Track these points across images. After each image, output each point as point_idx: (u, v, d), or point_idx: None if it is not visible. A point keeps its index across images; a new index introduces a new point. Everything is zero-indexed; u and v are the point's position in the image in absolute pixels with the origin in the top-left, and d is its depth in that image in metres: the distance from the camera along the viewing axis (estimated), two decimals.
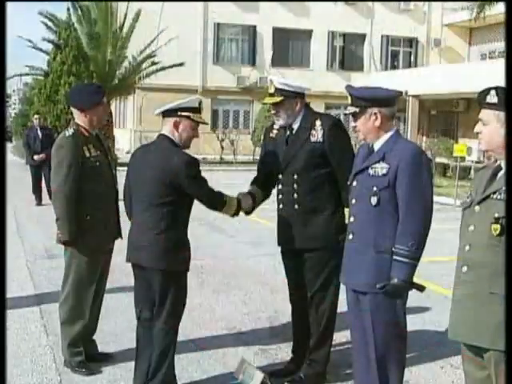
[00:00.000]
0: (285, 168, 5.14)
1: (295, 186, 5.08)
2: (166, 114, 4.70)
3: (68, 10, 27.53)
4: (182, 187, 4.55)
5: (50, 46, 28.34)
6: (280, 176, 5.19)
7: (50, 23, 28.21)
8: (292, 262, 5.25)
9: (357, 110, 4.23)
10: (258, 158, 5.51)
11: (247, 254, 9.42)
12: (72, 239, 5.21)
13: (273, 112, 5.12)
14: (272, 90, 5.05)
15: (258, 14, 35.87)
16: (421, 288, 4.26)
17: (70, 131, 5.29)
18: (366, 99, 4.23)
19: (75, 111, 5.39)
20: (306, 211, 5.03)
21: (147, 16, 28.88)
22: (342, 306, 4.78)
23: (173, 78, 30.37)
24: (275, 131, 5.31)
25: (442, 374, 5.52)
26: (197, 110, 4.73)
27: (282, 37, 36.48)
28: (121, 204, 5.23)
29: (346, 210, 4.73)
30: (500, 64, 27.36)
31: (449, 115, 32.44)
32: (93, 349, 5.58)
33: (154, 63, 28.41)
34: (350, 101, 4.27)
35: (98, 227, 5.27)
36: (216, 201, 4.82)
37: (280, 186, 5.22)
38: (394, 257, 4.09)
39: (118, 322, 6.58)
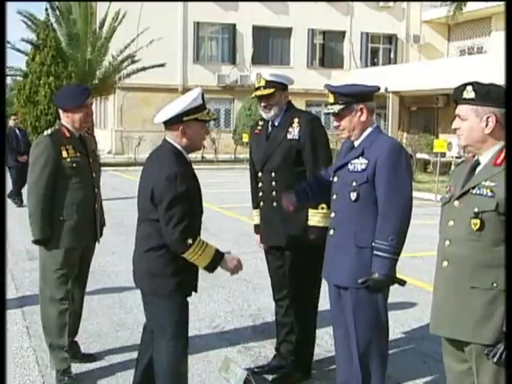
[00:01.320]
0: (264, 166, 5.15)
1: (273, 183, 5.09)
2: (169, 122, 4.08)
3: (46, 10, 27.39)
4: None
5: (28, 47, 28.22)
6: (260, 174, 5.20)
7: (29, 22, 28.12)
8: (274, 260, 5.28)
9: (342, 107, 4.21)
10: (239, 156, 5.53)
11: (231, 252, 9.43)
12: (42, 238, 5.14)
13: (263, 105, 5.09)
14: (262, 83, 5.03)
15: (237, 12, 35.82)
16: (402, 282, 4.28)
17: (49, 130, 5.26)
18: (352, 95, 4.23)
19: (60, 111, 5.31)
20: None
21: (127, 16, 28.85)
22: (325, 302, 4.79)
23: (153, 77, 30.31)
24: (259, 127, 5.33)
25: (423, 368, 5.57)
26: (202, 106, 4.14)
27: (262, 35, 36.48)
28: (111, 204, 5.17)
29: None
30: (478, 59, 27.56)
31: (429, 111, 32.58)
32: (75, 349, 5.54)
33: (133, 62, 28.45)
34: (332, 99, 4.24)
35: (72, 229, 5.16)
36: (175, 236, 3.91)
37: (260, 184, 5.22)
38: (375, 252, 4.10)
39: (101, 323, 6.56)
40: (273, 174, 5.09)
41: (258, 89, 5.08)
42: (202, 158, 29.99)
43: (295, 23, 36.62)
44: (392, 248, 4.08)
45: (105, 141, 35.34)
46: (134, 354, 4.74)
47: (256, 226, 5.44)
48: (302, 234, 4.98)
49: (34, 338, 6.15)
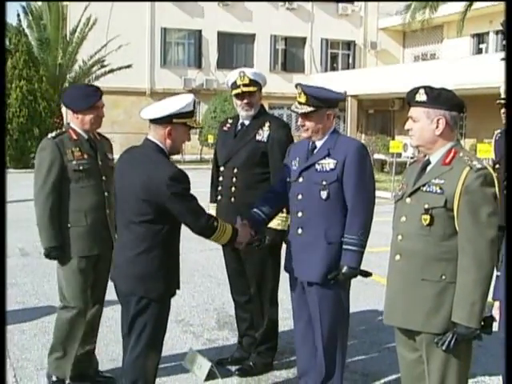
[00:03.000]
0: (227, 161, 5.13)
1: (234, 180, 5.07)
2: (158, 121, 3.88)
3: (18, 15, 27.24)
4: (164, 205, 3.76)
5: None
6: (222, 168, 5.18)
7: None
8: (232, 257, 5.24)
9: (312, 109, 4.20)
10: (205, 157, 5.50)
11: (195, 248, 9.43)
12: (51, 247, 4.69)
13: (246, 102, 5.03)
14: (246, 81, 4.99)
15: (203, 18, 35.75)
16: (368, 274, 4.33)
17: (53, 133, 4.83)
18: (324, 100, 4.22)
19: (69, 112, 4.87)
20: (242, 206, 4.88)
21: (97, 21, 28.69)
22: (285, 296, 4.80)
23: (122, 80, 30.07)
24: (228, 125, 5.30)
25: (379, 358, 5.62)
26: (192, 113, 3.96)
27: (227, 40, 36.43)
28: None
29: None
30: (431, 65, 27.84)
31: (385, 114, 32.85)
32: (92, 366, 5.06)
33: (103, 67, 28.36)
34: (303, 99, 4.21)
35: (80, 236, 4.71)
36: (203, 224, 3.88)
37: (221, 179, 5.20)
38: (345, 246, 4.14)
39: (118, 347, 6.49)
40: (235, 171, 5.06)
41: (238, 86, 5.02)
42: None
43: (258, 29, 36.64)
44: (360, 241, 4.14)
45: None
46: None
47: None
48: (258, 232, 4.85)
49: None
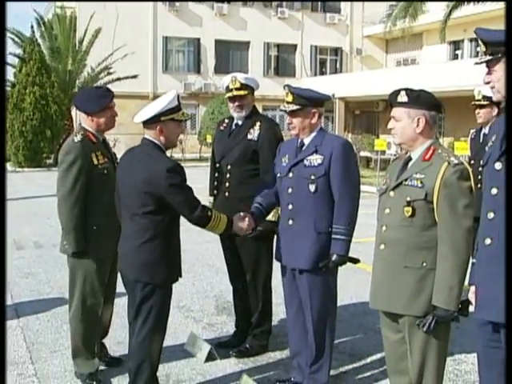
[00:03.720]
0: (222, 158, 5.13)
1: (228, 175, 5.07)
2: (148, 122, 3.92)
3: (32, 27, 27.30)
4: (163, 196, 3.78)
5: (16, 60, 28.02)
6: (218, 165, 5.18)
7: (16, 39, 28.14)
8: (229, 246, 5.22)
9: (298, 107, 4.21)
10: (204, 155, 5.52)
11: (195, 240, 9.43)
12: (80, 250, 4.48)
13: (237, 104, 5.04)
14: (238, 85, 4.99)
15: (201, 27, 35.72)
16: (356, 261, 4.33)
17: (78, 137, 4.52)
18: (308, 99, 4.23)
19: (82, 115, 4.62)
20: (235, 200, 4.95)
21: (104, 31, 28.88)
22: (278, 283, 4.79)
23: (127, 86, 29.95)
24: (224, 124, 5.30)
25: (365, 339, 5.62)
26: (177, 107, 3.96)
27: (223, 48, 36.36)
28: None
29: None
30: (412, 70, 27.85)
31: (370, 114, 32.83)
32: (103, 352, 4.95)
33: (109, 74, 28.43)
34: (290, 99, 4.22)
35: (104, 237, 4.51)
36: (198, 214, 3.87)
37: (217, 174, 5.20)
38: (334, 236, 4.13)
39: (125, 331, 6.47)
40: (228, 167, 5.06)
41: (231, 90, 5.03)
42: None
43: (252, 37, 36.62)
44: (348, 231, 4.14)
45: None
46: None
47: None
48: None
49: (22, 318, 6.09)
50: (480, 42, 2.87)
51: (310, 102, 4.23)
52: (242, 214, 4.25)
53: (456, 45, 33.39)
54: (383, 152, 21.11)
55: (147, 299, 3.89)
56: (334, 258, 4.13)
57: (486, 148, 2.98)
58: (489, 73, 2.87)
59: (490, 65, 2.85)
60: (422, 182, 3.36)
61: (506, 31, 2.76)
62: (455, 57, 33.18)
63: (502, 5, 16.97)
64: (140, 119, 3.94)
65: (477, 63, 2.91)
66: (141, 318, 3.92)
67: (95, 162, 4.50)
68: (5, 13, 4.28)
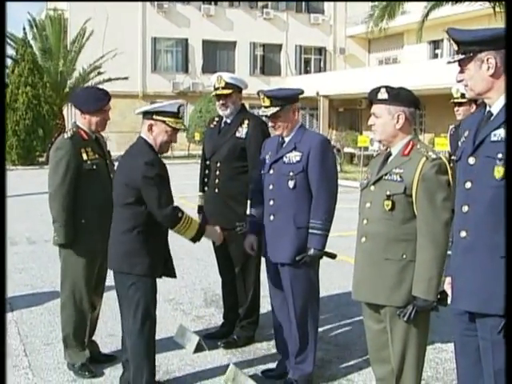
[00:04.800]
0: (212, 155, 5.12)
1: (217, 172, 5.06)
2: (144, 115, 3.99)
3: (24, 29, 27.24)
4: (139, 188, 3.79)
5: (8, 61, 27.88)
6: (208, 162, 5.17)
7: (9, 40, 28.04)
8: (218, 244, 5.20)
9: (277, 108, 4.21)
10: (192, 153, 5.51)
11: None
12: (67, 242, 4.52)
13: (221, 103, 5.03)
14: (222, 84, 4.98)
15: (189, 28, 35.64)
16: (332, 256, 4.32)
17: (68, 133, 4.60)
18: (285, 98, 4.25)
19: (77, 113, 4.68)
20: (225, 196, 4.97)
21: (94, 32, 28.74)
22: (264, 276, 4.79)
23: (117, 85, 29.72)
24: (215, 122, 5.30)
25: (349, 330, 5.63)
26: (175, 114, 3.96)
27: (211, 48, 36.30)
28: None
29: None
30: (393, 68, 27.92)
31: (354, 112, 32.90)
32: (94, 350, 4.88)
33: (100, 74, 28.33)
34: (267, 103, 4.24)
35: (93, 231, 4.51)
36: (167, 212, 3.80)
37: (207, 171, 5.19)
38: (311, 230, 4.14)
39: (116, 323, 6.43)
40: (218, 164, 5.05)
41: (217, 89, 5.02)
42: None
43: (239, 37, 36.58)
44: (325, 226, 4.14)
45: None
46: None
47: (199, 207, 5.36)
48: (240, 218, 4.87)
49: (15, 311, 6.07)
50: (452, 41, 2.89)
51: (286, 101, 4.25)
52: (216, 227, 4.25)
53: (436, 44, 33.52)
54: (366, 148, 21.18)
55: (130, 290, 3.87)
56: (310, 252, 4.14)
57: (459, 143, 2.99)
58: (461, 71, 2.89)
59: (462, 64, 2.87)
60: (401, 177, 3.37)
61: (506, 31, 2.77)
62: (435, 56, 33.28)
63: (479, 5, 17.02)
64: (139, 111, 4.03)
65: (449, 62, 2.94)
66: (128, 312, 3.91)
67: (84, 158, 4.52)
68: (5, 13, 4.26)
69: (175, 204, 3.90)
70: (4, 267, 4.09)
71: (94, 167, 4.56)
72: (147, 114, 3.97)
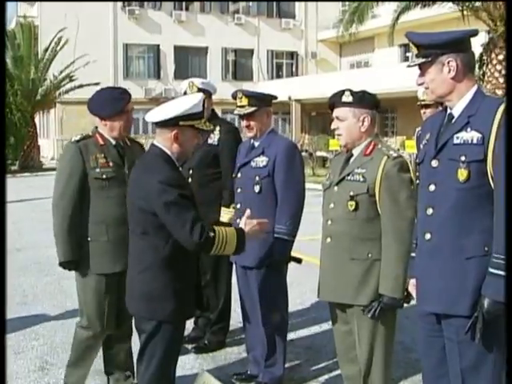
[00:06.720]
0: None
1: (189, 180, 5.02)
2: (163, 124, 3.14)
3: None
4: (157, 214, 3.02)
5: None
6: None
7: None
8: None
9: (254, 108, 4.20)
10: None
11: None
12: (66, 261, 3.89)
13: None
14: (195, 90, 4.93)
15: (160, 34, 35.58)
16: (298, 260, 4.30)
17: (78, 136, 3.97)
18: (263, 100, 4.28)
19: (96, 119, 3.98)
20: (197, 203, 4.86)
21: (65, 39, 28.46)
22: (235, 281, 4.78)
23: (89, 92, 29.11)
24: None
25: (319, 333, 5.63)
26: (201, 114, 3.21)
27: (182, 53, 36.27)
28: None
29: None
30: (365, 72, 28.11)
31: (326, 116, 32.66)
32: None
33: (72, 81, 28.21)
34: (244, 102, 4.22)
35: (102, 253, 3.86)
36: (197, 238, 2.97)
37: None
38: (276, 235, 4.11)
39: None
40: (190, 172, 5.01)
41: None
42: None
43: (210, 43, 36.62)
44: (289, 231, 4.10)
45: (48, 149, 34.62)
46: None
47: None
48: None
49: None
50: (412, 45, 2.90)
51: (263, 103, 4.26)
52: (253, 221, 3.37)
53: (406, 47, 33.73)
54: (337, 151, 21.24)
55: (146, 338, 3.16)
56: (275, 257, 4.12)
57: (421, 146, 3.00)
58: (421, 74, 2.90)
59: (422, 67, 2.88)
60: (363, 177, 3.37)
61: (506, 31, 2.79)
62: (406, 59, 33.55)
63: (448, 8, 17.18)
64: (155, 119, 3.16)
65: (409, 66, 2.94)
66: (145, 360, 3.18)
67: (92, 165, 3.85)
68: (4, 13, 4.04)
69: (201, 222, 3.06)
70: (4, 271, 3.97)
71: (104, 176, 3.86)
72: (170, 122, 3.12)
